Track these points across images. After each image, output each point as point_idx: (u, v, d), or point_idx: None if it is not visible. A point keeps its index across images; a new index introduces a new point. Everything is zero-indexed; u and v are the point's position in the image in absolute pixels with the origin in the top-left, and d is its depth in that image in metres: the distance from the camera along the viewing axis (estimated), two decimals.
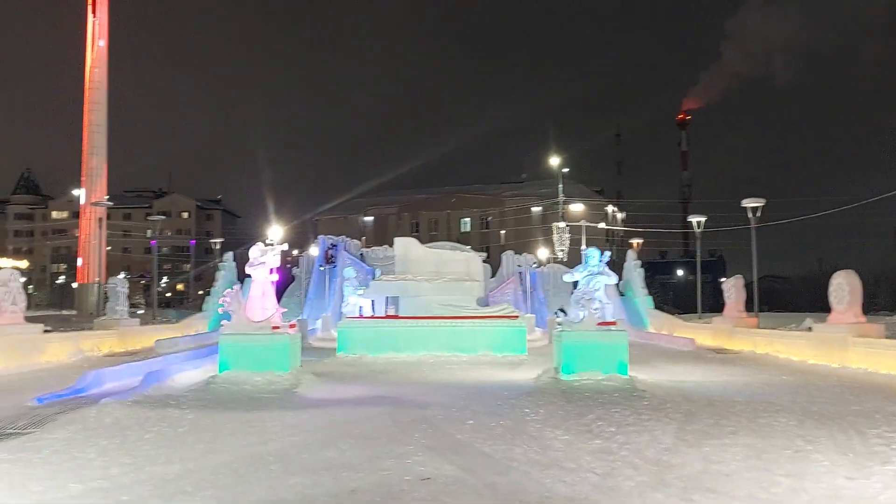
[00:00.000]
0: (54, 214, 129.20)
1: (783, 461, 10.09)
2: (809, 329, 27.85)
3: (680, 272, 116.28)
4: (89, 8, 59.32)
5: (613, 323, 20.02)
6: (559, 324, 20.49)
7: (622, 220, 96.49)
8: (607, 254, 20.72)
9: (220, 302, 19.67)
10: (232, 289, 19.95)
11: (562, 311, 44.12)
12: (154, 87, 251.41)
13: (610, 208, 74.89)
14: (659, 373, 21.65)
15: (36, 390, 17.50)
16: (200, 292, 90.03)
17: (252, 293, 19.77)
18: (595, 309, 19.73)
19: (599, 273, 20.40)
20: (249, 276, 20.37)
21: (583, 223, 25.25)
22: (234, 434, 12.11)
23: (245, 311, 19.26)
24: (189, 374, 19.63)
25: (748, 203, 35.95)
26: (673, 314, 48.23)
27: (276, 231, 22.66)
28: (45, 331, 25.18)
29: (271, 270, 20.10)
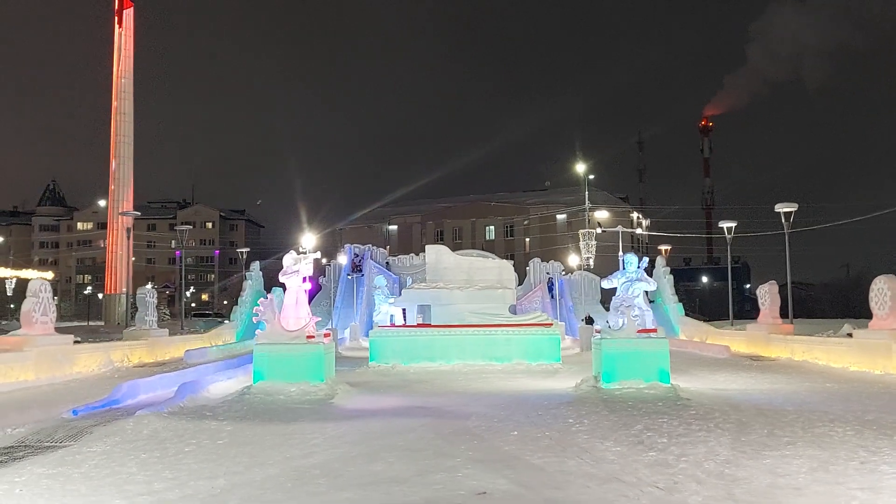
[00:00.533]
0: (79, 226, 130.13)
1: (852, 473, 9.63)
2: (849, 335, 27.25)
3: (704, 279, 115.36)
4: (115, 18, 59.74)
5: (654, 330, 19.59)
6: (597, 331, 20.08)
7: (647, 227, 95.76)
8: (645, 259, 20.27)
9: (254, 311, 19.40)
10: (266, 298, 19.67)
11: (590, 319, 43.67)
12: (177, 98, 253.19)
13: (635, 215, 74.11)
14: (699, 381, 21.20)
15: (69, 402, 17.33)
16: (226, 302, 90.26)
17: (286, 302, 19.51)
18: (635, 316, 19.31)
19: (638, 279, 19.98)
20: (282, 285, 20.13)
21: (619, 229, 24.79)
22: (275, 447, 11.80)
23: (279, 320, 18.99)
24: (223, 385, 19.40)
25: (781, 208, 35.35)
26: (701, 321, 47.60)
27: (308, 239, 22.38)
28: (76, 341, 25.03)
29: (304, 279, 19.85)
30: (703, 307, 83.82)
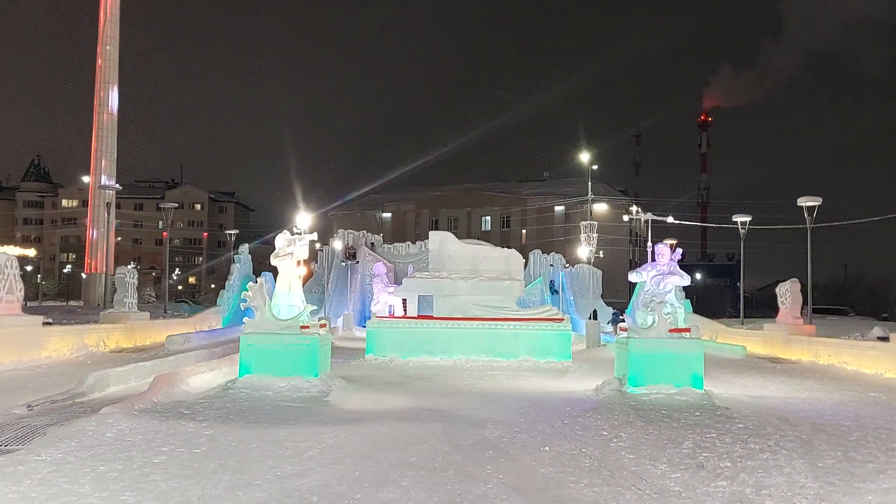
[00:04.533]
0: (64, 203, 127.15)
1: None
2: (881, 339, 25.40)
3: (698, 276, 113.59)
4: None
5: (687, 329, 17.63)
6: (623, 330, 18.13)
7: (645, 222, 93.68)
8: (679, 251, 18.28)
9: (243, 297, 17.36)
10: (255, 281, 17.61)
11: (595, 314, 41.79)
12: (167, 73, 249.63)
13: (634, 208, 72.17)
14: (725, 385, 19.34)
15: (29, 392, 15.37)
16: (213, 286, 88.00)
17: (278, 288, 17.49)
18: (666, 313, 17.37)
19: (670, 273, 18.00)
20: (273, 268, 18.11)
21: (648, 216, 22.93)
22: (263, 459, 9.79)
23: (270, 307, 16.96)
24: (205, 378, 17.44)
25: (804, 202, 33.48)
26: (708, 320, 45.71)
27: (304, 219, 20.28)
28: (46, 323, 22.91)
29: (299, 263, 17.82)
30: (696, 305, 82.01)
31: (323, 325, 18.01)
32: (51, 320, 25.40)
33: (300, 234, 18.10)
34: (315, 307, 18.31)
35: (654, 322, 17.27)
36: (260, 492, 8.27)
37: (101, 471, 8.94)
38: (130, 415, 12.40)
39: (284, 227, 20.03)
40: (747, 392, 18.32)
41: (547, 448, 10.97)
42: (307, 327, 16.84)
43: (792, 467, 9.97)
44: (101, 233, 50.42)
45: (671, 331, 17.25)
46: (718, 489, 8.81)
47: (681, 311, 17.97)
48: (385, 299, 27.20)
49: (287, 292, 17.30)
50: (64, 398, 14.13)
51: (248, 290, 17.02)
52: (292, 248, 17.47)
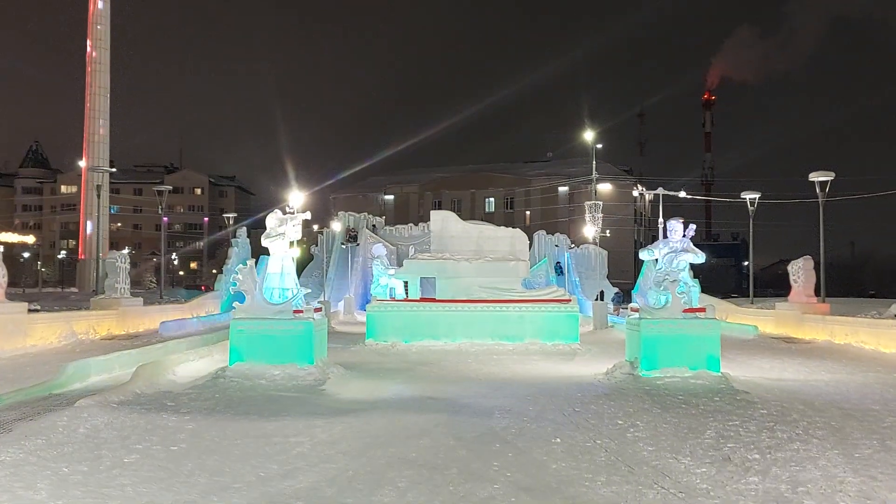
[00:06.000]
0: (63, 189, 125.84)
1: None
2: None
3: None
4: None
5: (702, 309, 16.68)
6: (634, 310, 17.19)
7: (650, 201, 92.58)
8: (692, 227, 17.29)
9: (233, 280, 16.43)
10: (246, 264, 16.66)
11: (602, 294, 40.89)
12: (165, 57, 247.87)
13: (641, 188, 70.90)
14: (741, 367, 18.44)
15: (9, 383, 14.49)
16: (214, 271, 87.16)
17: (269, 270, 16.54)
18: (680, 292, 16.42)
19: (684, 250, 17.03)
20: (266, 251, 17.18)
21: (660, 190, 21.92)
22: (247, 457, 8.91)
23: (261, 291, 16.04)
24: (194, 366, 16.57)
25: (816, 177, 32.46)
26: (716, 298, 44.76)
27: (296, 197, 19.30)
28: (32, 310, 22.01)
29: (292, 244, 16.87)
30: (702, 285, 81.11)
31: (318, 310, 17.09)
32: (38, 307, 24.56)
33: (293, 213, 17.15)
34: (309, 290, 17.33)
35: (667, 302, 16.34)
36: (238, 497, 7.39)
37: (64, 473, 8.05)
38: (108, 408, 11.52)
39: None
40: (765, 374, 17.43)
41: (558, 440, 10.08)
42: (301, 312, 15.90)
43: (827, 459, 9.07)
44: (94, 217, 49.37)
45: (685, 311, 16.33)
46: (750, 486, 7.91)
47: (695, 289, 17.05)
48: (385, 282, 26.23)
49: (279, 275, 16.37)
50: (40, 389, 13.23)
51: (233, 274, 16.08)
52: (284, 227, 16.52)
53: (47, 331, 21.86)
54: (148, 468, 8.37)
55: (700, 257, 17.06)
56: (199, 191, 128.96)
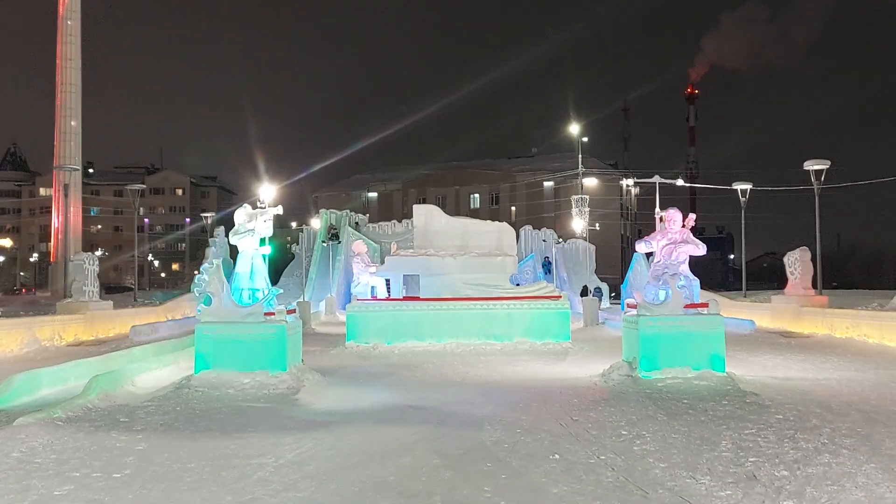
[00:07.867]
0: (42, 191, 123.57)
1: None
2: None
3: None
4: None
5: (704, 305, 15.57)
6: (632, 307, 16.05)
7: (636, 196, 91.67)
8: (692, 216, 16.17)
9: (197, 282, 15.17)
10: (212, 264, 15.39)
11: (586, 290, 39.82)
12: (144, 56, 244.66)
13: (625, 182, 69.90)
14: (743, 365, 17.36)
15: None
16: (196, 272, 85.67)
17: (238, 270, 15.28)
18: (681, 286, 15.29)
19: (683, 241, 15.89)
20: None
21: (656, 178, 20.86)
22: (200, 485, 7.70)
23: (229, 292, 14.78)
24: (157, 375, 15.27)
25: (811, 165, 31.46)
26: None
27: (267, 191, 18.04)
28: None
29: (263, 240, 15.62)
30: None
31: (292, 311, 15.86)
32: None
33: (264, 207, 15.92)
34: (281, 290, 16.10)
35: (666, 297, 15.21)
36: None
37: None
38: (51, 426, 10.27)
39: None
40: (770, 373, 16.36)
41: (557, 455, 8.92)
42: (272, 314, 14.67)
43: (865, 475, 7.94)
44: (61, 218, 47.86)
45: (686, 307, 15.20)
46: None
47: (696, 283, 15.93)
48: (366, 280, 24.99)
49: (248, 275, 15.12)
50: None
51: (202, 274, 14.83)
52: (254, 223, 15.26)
53: (7, 338, 20.52)
54: (81, 501, 7.14)
55: (701, 248, 15.91)
56: (180, 191, 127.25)
